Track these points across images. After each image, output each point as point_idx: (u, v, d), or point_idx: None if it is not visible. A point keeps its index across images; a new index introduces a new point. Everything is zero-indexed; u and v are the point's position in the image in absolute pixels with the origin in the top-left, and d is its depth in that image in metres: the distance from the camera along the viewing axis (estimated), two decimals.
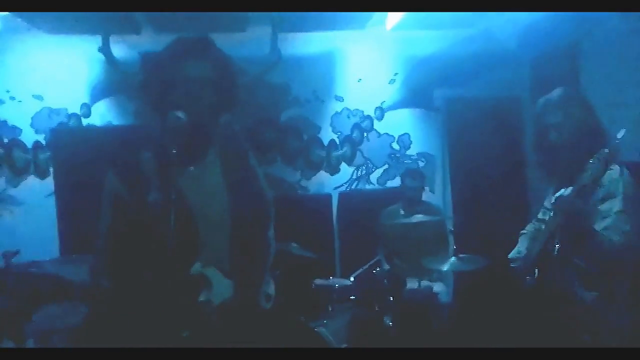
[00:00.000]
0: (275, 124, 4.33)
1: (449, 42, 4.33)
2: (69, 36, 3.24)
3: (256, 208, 1.53)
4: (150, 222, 1.38)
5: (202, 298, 1.42)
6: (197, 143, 1.51)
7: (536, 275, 1.88)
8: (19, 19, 3.52)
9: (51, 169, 4.04)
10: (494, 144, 4.23)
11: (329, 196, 4.37)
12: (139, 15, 3.56)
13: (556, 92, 1.94)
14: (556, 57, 3.90)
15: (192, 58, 1.49)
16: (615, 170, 1.81)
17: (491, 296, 3.38)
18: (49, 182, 4.05)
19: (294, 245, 3.40)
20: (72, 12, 2.72)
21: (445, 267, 3.04)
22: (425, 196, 3.96)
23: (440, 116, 4.51)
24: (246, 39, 3.73)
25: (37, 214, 4.02)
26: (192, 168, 1.51)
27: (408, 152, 4.52)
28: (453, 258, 3.02)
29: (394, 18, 4.03)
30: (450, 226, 3.81)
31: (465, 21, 3.98)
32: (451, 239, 3.69)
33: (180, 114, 1.40)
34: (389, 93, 4.46)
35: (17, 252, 3.50)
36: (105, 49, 2.41)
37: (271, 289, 1.60)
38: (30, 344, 2.83)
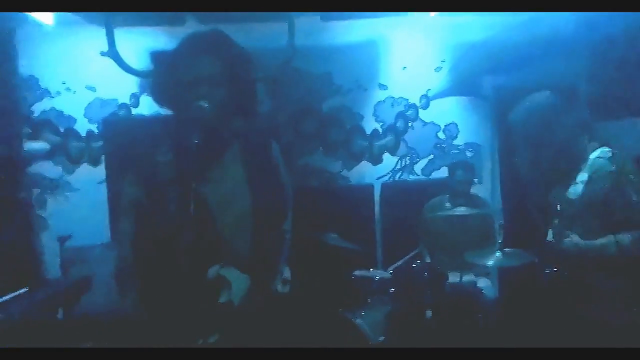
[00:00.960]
0: (317, 114, 4.29)
1: (499, 27, 4.12)
2: (118, 29, 3.35)
3: (275, 200, 1.51)
4: (172, 231, 1.38)
5: (222, 299, 1.41)
6: (219, 137, 1.50)
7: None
8: (73, 15, 3.66)
9: (103, 157, 4.22)
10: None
11: (371, 187, 4.31)
12: None
13: (523, 108, 1.87)
14: (618, 43, 3.62)
15: (206, 54, 1.47)
16: (606, 158, 1.71)
17: (540, 293, 3.22)
18: (101, 169, 4.23)
19: (334, 235, 3.39)
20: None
21: (489, 262, 2.92)
22: (473, 187, 3.81)
23: (489, 105, 4.33)
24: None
25: (90, 200, 4.20)
26: (212, 171, 1.49)
27: (455, 142, 4.38)
28: (498, 252, 2.90)
29: None
30: (499, 219, 3.66)
31: None
32: (500, 233, 3.54)
33: (203, 103, 1.39)
34: (435, 81, 4.32)
35: (69, 237, 3.69)
36: (111, 52, 2.41)
37: (286, 273, 1.58)
38: None
